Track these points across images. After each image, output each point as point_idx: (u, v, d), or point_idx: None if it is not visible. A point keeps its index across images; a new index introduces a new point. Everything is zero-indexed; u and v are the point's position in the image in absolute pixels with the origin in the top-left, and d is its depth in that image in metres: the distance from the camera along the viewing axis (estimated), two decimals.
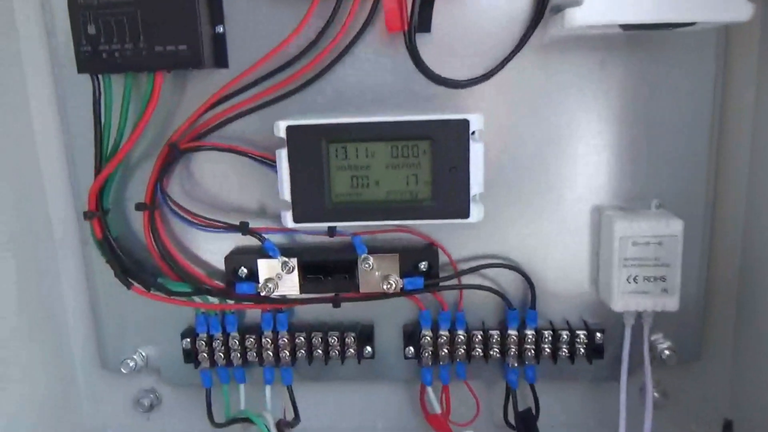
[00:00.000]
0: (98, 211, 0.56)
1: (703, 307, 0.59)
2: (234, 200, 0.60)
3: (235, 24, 0.55)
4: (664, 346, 0.59)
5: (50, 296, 0.64)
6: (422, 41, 0.53)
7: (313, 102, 0.56)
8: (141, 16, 0.50)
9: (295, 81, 0.55)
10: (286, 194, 0.52)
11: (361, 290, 0.58)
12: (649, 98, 0.55)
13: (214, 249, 0.61)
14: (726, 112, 0.57)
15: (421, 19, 0.51)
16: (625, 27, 0.49)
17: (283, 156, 0.52)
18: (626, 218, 0.54)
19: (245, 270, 0.59)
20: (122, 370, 0.62)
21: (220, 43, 0.55)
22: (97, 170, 0.55)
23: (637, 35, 0.53)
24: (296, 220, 0.53)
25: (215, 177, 0.59)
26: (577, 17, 0.46)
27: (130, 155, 0.58)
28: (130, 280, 0.58)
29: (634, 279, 0.54)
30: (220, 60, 0.55)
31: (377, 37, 0.54)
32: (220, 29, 0.54)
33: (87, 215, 0.56)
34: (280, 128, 0.51)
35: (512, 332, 0.59)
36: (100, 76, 0.53)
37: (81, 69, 0.52)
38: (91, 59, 0.51)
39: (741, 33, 0.55)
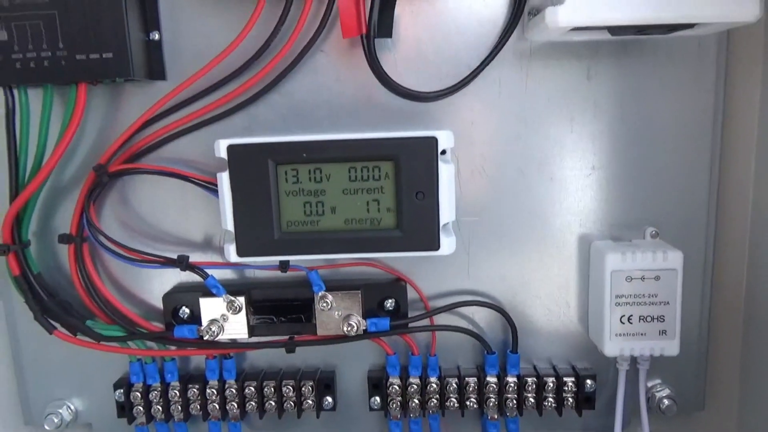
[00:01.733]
0: (15, 243, 0.49)
1: (706, 351, 0.54)
2: (176, 230, 0.53)
3: (173, 31, 0.49)
4: (663, 395, 0.54)
5: None
6: (384, 48, 0.49)
7: (261, 118, 0.51)
8: (60, 20, 0.45)
9: (242, 94, 0.49)
10: (229, 224, 0.47)
11: (319, 332, 0.51)
12: (642, 114, 0.50)
13: (151, 286, 0.54)
14: (728, 129, 0.52)
15: (381, 22, 0.45)
16: (615, 31, 0.44)
17: (224, 179, 0.46)
18: (618, 250, 0.48)
19: (187, 310, 0.53)
20: (46, 426, 0.55)
21: (154, 51, 0.49)
22: (13, 197, 0.49)
23: (628, 42, 0.49)
24: (240, 253, 0.47)
25: (153, 204, 0.53)
26: (560, 17, 0.41)
27: (59, 179, 0.52)
28: (52, 323, 0.51)
29: (629, 319, 0.48)
30: (156, 70, 0.49)
31: (334, 45, 0.49)
32: (154, 36, 0.49)
33: (1, 249, 0.49)
34: (221, 148, 0.46)
35: (491, 379, 0.53)
36: (14, 89, 0.47)
37: None
38: (3, 70, 0.45)
39: (744, 39, 0.51)
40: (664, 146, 0.50)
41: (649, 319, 0.48)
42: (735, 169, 0.53)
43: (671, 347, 0.49)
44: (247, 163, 0.45)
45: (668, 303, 0.48)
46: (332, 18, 0.47)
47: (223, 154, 0.45)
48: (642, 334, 0.49)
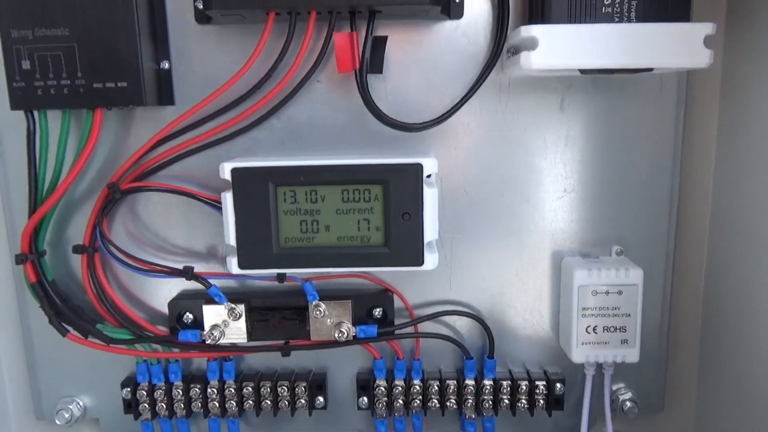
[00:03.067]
0: (32, 253, 0.53)
1: (666, 358, 0.58)
2: (181, 243, 0.57)
3: (182, 60, 0.53)
4: (626, 397, 0.58)
5: None
6: (376, 81, 0.52)
7: (262, 142, 0.54)
8: (79, 51, 0.48)
9: (244, 120, 0.53)
10: (232, 239, 0.50)
11: (312, 338, 0.55)
12: (611, 142, 0.54)
13: (158, 293, 0.58)
14: (688, 158, 0.56)
15: (373, 60, 0.49)
16: (584, 71, 0.48)
17: (228, 199, 0.49)
18: (585, 266, 0.52)
19: (190, 316, 0.56)
20: (57, 421, 0.59)
21: (165, 79, 0.52)
22: (32, 210, 0.52)
23: (598, 78, 0.53)
24: (242, 266, 0.50)
25: (161, 218, 0.56)
26: (533, 61, 0.45)
27: (73, 194, 0.56)
28: (65, 326, 0.55)
29: (594, 329, 0.53)
30: (166, 97, 0.53)
31: (330, 76, 0.53)
32: (165, 65, 0.52)
33: (19, 258, 0.52)
34: (225, 170, 0.49)
35: (470, 382, 0.56)
36: (35, 113, 0.51)
37: (14, 105, 0.49)
38: (25, 95, 0.49)
39: (703, 78, 0.55)
40: (629, 172, 0.54)
41: (612, 329, 0.53)
42: (693, 193, 0.57)
43: (632, 355, 0.53)
44: (249, 185, 0.49)
45: (630, 315, 0.52)
46: (329, 52, 0.50)
47: (227, 176, 0.48)
48: (606, 343, 0.53)
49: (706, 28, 0.44)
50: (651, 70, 0.46)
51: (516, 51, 0.48)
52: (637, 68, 0.46)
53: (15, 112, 0.50)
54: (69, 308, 0.55)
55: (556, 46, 0.45)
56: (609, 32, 0.44)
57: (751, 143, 0.52)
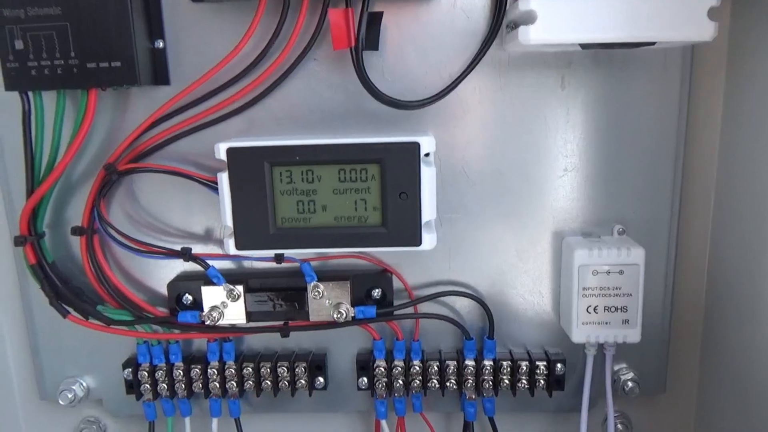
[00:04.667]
0: (31, 234, 0.53)
1: (668, 338, 0.57)
2: (179, 224, 0.57)
3: (176, 39, 0.52)
4: (628, 378, 0.57)
5: None
6: (372, 58, 0.51)
7: (258, 121, 0.54)
8: (72, 31, 0.48)
9: (240, 99, 0.52)
10: (228, 220, 0.50)
11: (311, 318, 0.55)
12: (612, 120, 0.53)
13: (157, 275, 0.58)
14: (691, 135, 0.55)
15: (369, 36, 0.48)
16: (585, 45, 0.46)
17: (224, 180, 0.49)
18: (586, 246, 0.52)
19: (189, 297, 0.56)
20: (60, 401, 0.59)
21: (159, 58, 0.52)
22: (29, 192, 0.52)
23: (599, 54, 0.52)
24: (239, 246, 0.51)
25: (158, 200, 0.56)
26: (531, 35, 0.44)
27: (70, 176, 0.55)
28: (66, 307, 0.55)
29: (594, 309, 0.52)
30: (161, 77, 0.53)
31: (326, 54, 0.52)
32: (159, 44, 0.52)
33: (18, 240, 0.53)
34: (221, 150, 0.49)
35: (470, 363, 0.56)
36: (30, 94, 0.50)
37: (9, 86, 0.49)
38: (19, 76, 0.49)
39: (707, 52, 0.54)
40: (631, 150, 0.53)
41: (613, 309, 0.52)
42: (697, 171, 0.56)
43: (633, 335, 0.53)
44: (245, 165, 0.48)
45: (631, 295, 0.52)
46: (324, 29, 0.50)
47: (222, 156, 0.48)
48: (606, 323, 0.52)
49: (710, 0, 0.43)
50: (653, 44, 0.45)
51: (515, 26, 0.47)
52: (638, 42, 0.44)
53: (10, 93, 0.49)
54: (69, 290, 0.55)
55: (556, 20, 0.43)
56: (609, 5, 0.43)
57: (757, 120, 0.51)
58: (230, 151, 0.48)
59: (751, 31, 0.51)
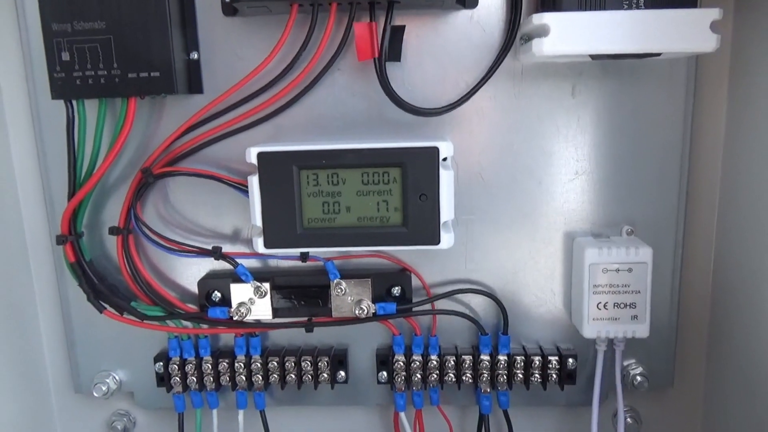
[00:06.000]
0: (71, 234, 0.56)
1: (675, 334, 0.60)
2: (209, 224, 0.60)
3: (209, 50, 0.55)
4: (637, 372, 0.60)
5: (24, 320, 0.63)
6: (394, 68, 0.54)
7: (285, 128, 0.56)
8: (115, 43, 0.51)
9: (269, 107, 0.55)
10: (258, 220, 0.53)
11: (334, 315, 0.58)
12: (620, 126, 0.56)
13: (188, 273, 0.61)
14: (696, 140, 0.58)
15: (392, 48, 0.52)
16: (595, 56, 0.49)
17: (254, 182, 0.52)
18: (596, 245, 0.54)
19: (218, 294, 0.59)
20: (94, 393, 0.62)
21: (194, 69, 0.55)
22: (71, 195, 0.55)
23: (608, 64, 0.54)
24: (267, 245, 0.53)
25: (190, 201, 0.59)
26: (545, 47, 0.47)
27: (107, 179, 0.58)
28: (102, 303, 0.58)
29: (604, 306, 0.55)
30: (195, 86, 0.56)
31: (351, 64, 0.55)
32: (194, 55, 0.55)
33: (59, 239, 0.56)
34: (252, 155, 0.51)
35: (485, 357, 0.59)
36: (74, 102, 0.54)
37: (55, 95, 0.52)
38: (65, 85, 0.52)
39: (711, 62, 0.56)
40: (639, 155, 0.56)
41: (622, 305, 0.55)
42: (702, 174, 0.59)
43: (642, 330, 0.55)
44: (275, 168, 0.51)
45: (639, 292, 0.54)
46: (348, 41, 0.53)
47: (253, 160, 0.51)
48: (616, 319, 0.55)
49: (712, 14, 0.46)
50: (659, 55, 0.48)
51: (528, 38, 0.50)
52: (645, 53, 0.47)
53: (52, 102, 0.52)
54: (105, 287, 0.58)
55: (568, 33, 0.46)
56: (618, 19, 0.46)
57: (758, 125, 0.53)
58: (261, 156, 0.51)
59: (753, 42, 0.54)
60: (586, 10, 0.47)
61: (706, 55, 0.53)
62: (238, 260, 0.57)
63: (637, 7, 0.47)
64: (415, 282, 0.59)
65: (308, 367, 0.60)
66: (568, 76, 0.55)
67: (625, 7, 0.47)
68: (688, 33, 0.46)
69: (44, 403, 0.66)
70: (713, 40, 0.46)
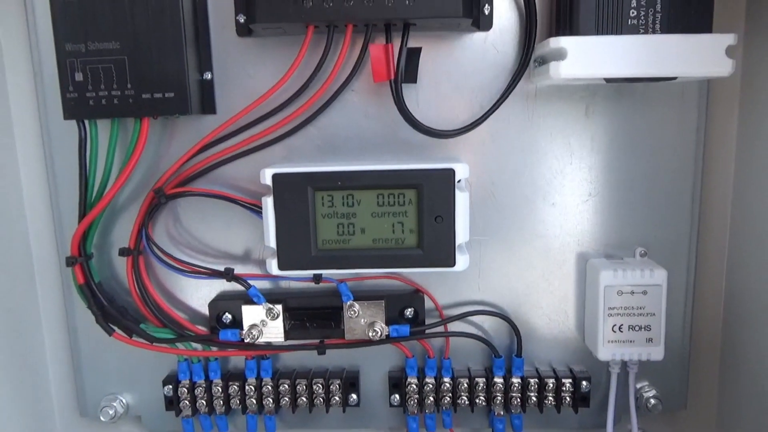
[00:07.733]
0: (81, 256, 0.56)
1: (688, 356, 0.59)
2: (220, 245, 0.59)
3: (223, 71, 0.55)
4: (650, 395, 0.59)
5: (30, 341, 0.62)
6: (409, 89, 0.54)
7: (299, 148, 0.56)
8: (129, 63, 0.51)
9: (282, 128, 0.55)
10: (272, 241, 0.52)
11: (347, 337, 0.57)
12: (634, 148, 0.56)
13: (198, 294, 0.60)
14: (708, 161, 0.58)
15: (408, 70, 0.52)
16: (609, 79, 0.49)
17: (269, 204, 0.52)
18: (611, 267, 0.54)
19: (229, 316, 0.58)
20: (101, 417, 0.61)
21: (207, 89, 0.55)
22: (81, 216, 0.55)
23: (622, 86, 0.55)
24: (281, 267, 0.53)
25: (202, 222, 0.59)
26: (562, 71, 0.47)
27: (117, 199, 0.58)
28: (111, 326, 0.57)
29: (619, 328, 0.54)
30: (208, 106, 0.55)
31: (365, 85, 0.55)
32: (208, 76, 0.55)
33: (69, 261, 0.55)
34: (267, 176, 0.51)
35: (498, 380, 0.58)
36: (86, 122, 0.53)
37: (67, 115, 0.52)
38: (78, 105, 0.51)
39: (722, 86, 0.57)
40: (652, 176, 0.56)
41: (637, 328, 0.54)
42: (714, 196, 0.59)
43: (657, 353, 0.55)
44: (289, 189, 0.51)
45: (654, 314, 0.54)
46: (363, 62, 0.53)
47: (268, 181, 0.51)
48: (631, 341, 0.55)
49: (728, 39, 0.46)
50: (674, 78, 0.48)
51: (543, 61, 0.51)
52: (661, 77, 0.48)
53: (63, 122, 0.52)
54: (114, 308, 0.58)
55: (584, 57, 0.47)
56: (636, 43, 0.46)
57: None
58: (276, 177, 0.51)
59: (763, 65, 0.54)
60: (603, 34, 0.48)
61: (718, 78, 0.53)
62: (250, 282, 0.56)
63: (654, 32, 0.48)
64: (428, 304, 0.59)
65: (320, 390, 0.59)
66: (581, 96, 0.55)
67: (642, 31, 0.48)
68: (703, 58, 0.47)
69: (48, 427, 0.65)
70: (728, 65, 0.46)
